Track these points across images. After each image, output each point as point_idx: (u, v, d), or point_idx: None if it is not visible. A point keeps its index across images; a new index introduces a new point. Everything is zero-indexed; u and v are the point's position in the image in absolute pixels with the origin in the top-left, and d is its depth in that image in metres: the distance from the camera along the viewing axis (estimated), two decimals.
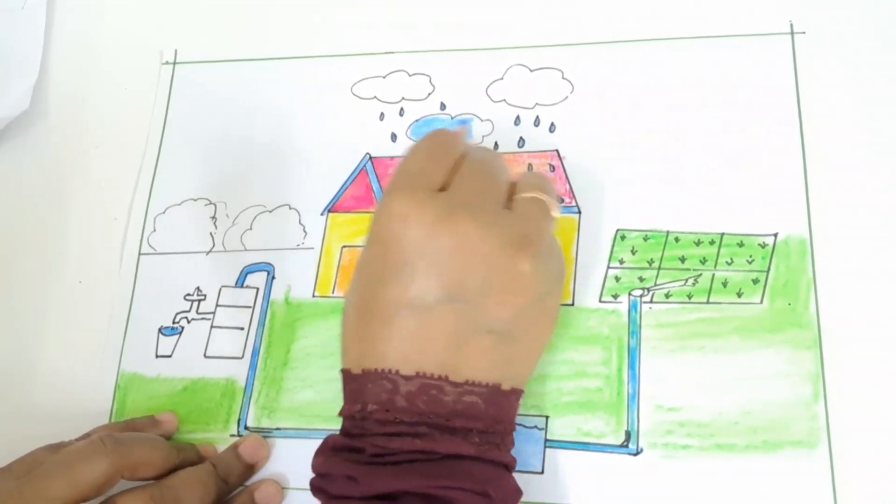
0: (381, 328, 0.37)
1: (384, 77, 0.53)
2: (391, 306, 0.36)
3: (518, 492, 0.37)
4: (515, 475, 0.38)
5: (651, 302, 0.45)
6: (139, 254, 0.52)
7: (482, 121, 0.51)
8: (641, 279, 0.46)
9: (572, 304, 0.46)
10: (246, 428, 0.47)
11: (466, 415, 0.37)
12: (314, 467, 0.38)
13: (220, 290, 0.50)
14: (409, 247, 0.36)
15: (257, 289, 0.49)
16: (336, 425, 0.45)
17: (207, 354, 0.49)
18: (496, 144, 0.50)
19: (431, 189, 0.37)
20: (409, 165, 0.39)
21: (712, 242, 0.46)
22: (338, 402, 0.46)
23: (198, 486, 0.42)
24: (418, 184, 0.38)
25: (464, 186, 0.38)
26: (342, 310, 0.40)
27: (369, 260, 0.38)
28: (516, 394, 0.38)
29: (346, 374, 0.38)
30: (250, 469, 0.45)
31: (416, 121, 0.52)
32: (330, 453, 0.37)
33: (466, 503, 0.35)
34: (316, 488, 0.37)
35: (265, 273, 0.50)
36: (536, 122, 0.50)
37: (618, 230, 0.47)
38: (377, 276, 0.37)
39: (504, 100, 0.51)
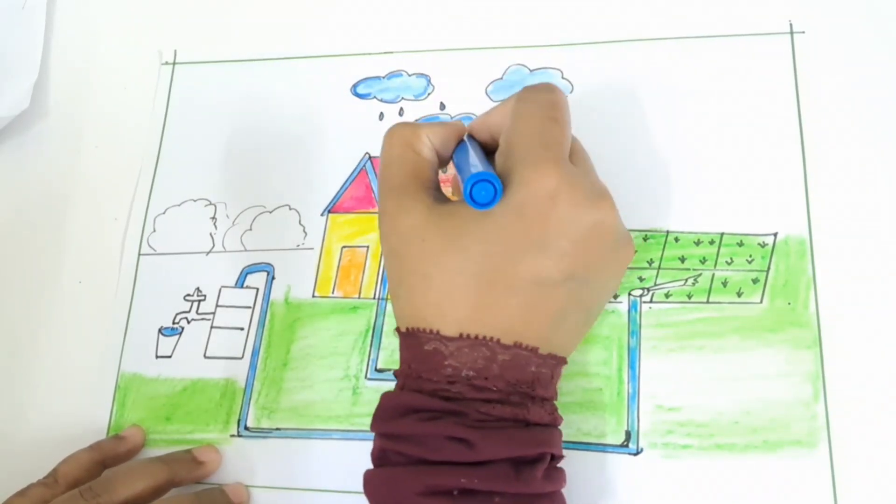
0: (499, 299, 0.37)
1: (383, 77, 0.53)
2: (520, 281, 0.36)
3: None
4: None
5: (651, 302, 0.45)
6: (139, 254, 0.52)
7: None
8: (641, 279, 0.46)
9: None
10: (246, 428, 0.47)
11: (542, 384, 0.38)
12: (392, 429, 0.37)
13: (219, 290, 0.50)
14: (554, 225, 0.36)
15: (257, 289, 0.49)
16: (336, 425, 0.46)
17: (207, 355, 0.49)
18: None
19: (568, 161, 0.37)
20: (550, 134, 0.38)
21: (712, 242, 0.46)
22: (337, 402, 0.46)
23: (135, 475, 0.43)
24: (561, 157, 0.37)
25: (586, 162, 0.40)
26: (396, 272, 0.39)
27: (503, 228, 0.36)
28: (565, 365, 0.40)
29: (431, 336, 0.37)
30: (200, 464, 0.45)
31: (416, 120, 0.52)
32: (420, 416, 0.36)
33: (547, 465, 0.37)
34: (396, 452, 0.37)
35: (265, 273, 0.50)
36: None
37: None
38: (511, 247, 0.36)
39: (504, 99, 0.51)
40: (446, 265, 0.37)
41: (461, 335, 0.37)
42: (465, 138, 0.41)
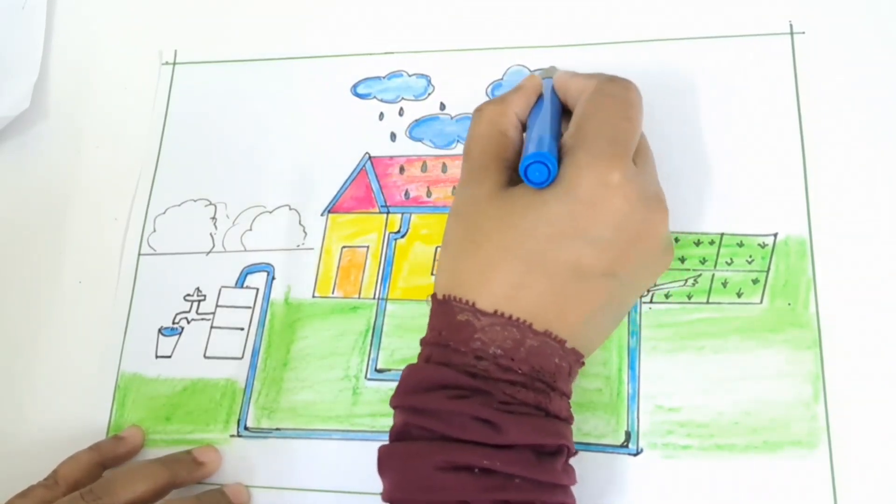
0: (538, 283, 0.37)
1: (384, 77, 0.53)
2: (561, 267, 0.37)
3: None
4: None
5: (651, 302, 0.45)
6: (139, 254, 0.52)
7: None
8: None
9: None
10: (246, 428, 0.47)
11: (562, 378, 0.38)
12: (418, 403, 0.37)
13: (219, 290, 0.50)
14: (603, 216, 0.37)
15: (257, 289, 0.49)
16: (336, 425, 0.46)
17: (207, 355, 0.49)
18: None
19: (631, 161, 0.38)
20: (621, 131, 0.38)
21: (712, 242, 0.46)
22: (337, 401, 0.46)
23: (136, 477, 0.43)
24: (626, 154, 0.38)
25: (648, 165, 0.40)
26: (440, 238, 0.41)
27: (554, 212, 0.37)
28: (582, 365, 0.40)
29: (466, 307, 0.38)
30: (201, 465, 0.45)
31: (416, 121, 0.52)
32: (448, 393, 0.36)
33: (565, 459, 0.37)
34: (419, 427, 0.37)
35: (265, 273, 0.50)
36: None
37: None
38: (557, 230, 0.37)
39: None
40: (496, 240, 0.38)
41: (496, 312, 0.37)
42: (545, 95, 0.42)
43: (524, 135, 0.42)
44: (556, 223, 0.37)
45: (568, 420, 0.39)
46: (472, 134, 0.42)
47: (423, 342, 0.39)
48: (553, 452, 0.37)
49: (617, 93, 0.40)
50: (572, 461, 0.38)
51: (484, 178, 0.40)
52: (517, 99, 0.42)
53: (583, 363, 0.39)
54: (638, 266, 0.39)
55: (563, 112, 0.43)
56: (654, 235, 0.38)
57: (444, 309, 0.38)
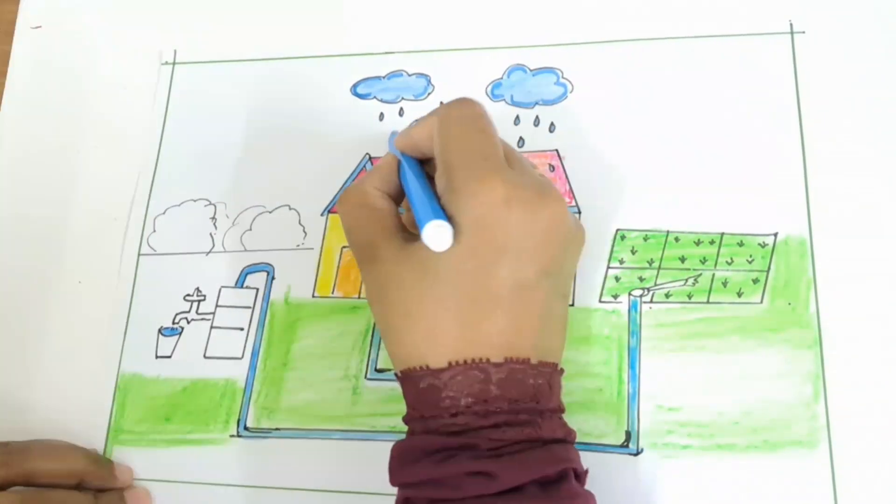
0: (484, 314, 0.37)
1: (383, 77, 0.53)
2: (500, 289, 0.37)
3: None
4: None
5: (651, 302, 0.45)
6: (139, 254, 0.52)
7: None
8: (641, 279, 0.46)
9: (572, 305, 0.46)
10: (246, 428, 0.47)
11: (544, 396, 0.38)
12: (410, 477, 0.37)
13: (219, 290, 0.50)
14: (515, 229, 0.37)
15: (257, 289, 0.49)
16: (336, 425, 0.46)
17: (207, 355, 0.49)
18: None
19: (507, 167, 0.38)
20: (484, 145, 0.38)
21: (712, 242, 0.46)
22: (337, 402, 0.46)
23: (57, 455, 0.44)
24: (500, 164, 0.38)
25: (521, 162, 0.40)
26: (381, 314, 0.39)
27: (469, 245, 0.37)
28: (561, 373, 0.39)
29: (423, 372, 0.37)
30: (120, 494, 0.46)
31: (416, 121, 0.51)
32: (434, 458, 0.36)
33: (573, 481, 0.36)
34: (420, 499, 0.36)
35: (265, 273, 0.50)
36: (536, 122, 0.50)
37: (618, 230, 0.47)
38: (482, 261, 0.37)
39: (503, 100, 0.51)
40: (424, 298, 0.37)
41: (450, 364, 0.37)
42: (402, 163, 0.42)
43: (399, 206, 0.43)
44: (476, 255, 0.37)
45: (566, 439, 0.38)
46: (345, 225, 0.42)
47: (404, 420, 0.39)
48: (557, 479, 0.36)
49: (460, 113, 0.40)
50: None
51: (377, 252, 0.39)
52: (372, 176, 0.42)
53: (561, 371, 0.39)
54: (560, 254, 0.39)
55: (427, 162, 0.42)
56: (560, 222, 0.38)
57: (407, 383, 0.38)
